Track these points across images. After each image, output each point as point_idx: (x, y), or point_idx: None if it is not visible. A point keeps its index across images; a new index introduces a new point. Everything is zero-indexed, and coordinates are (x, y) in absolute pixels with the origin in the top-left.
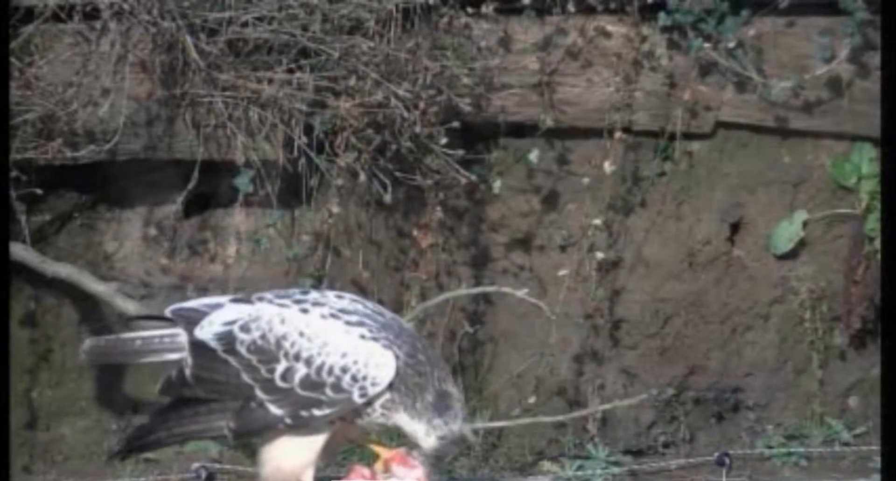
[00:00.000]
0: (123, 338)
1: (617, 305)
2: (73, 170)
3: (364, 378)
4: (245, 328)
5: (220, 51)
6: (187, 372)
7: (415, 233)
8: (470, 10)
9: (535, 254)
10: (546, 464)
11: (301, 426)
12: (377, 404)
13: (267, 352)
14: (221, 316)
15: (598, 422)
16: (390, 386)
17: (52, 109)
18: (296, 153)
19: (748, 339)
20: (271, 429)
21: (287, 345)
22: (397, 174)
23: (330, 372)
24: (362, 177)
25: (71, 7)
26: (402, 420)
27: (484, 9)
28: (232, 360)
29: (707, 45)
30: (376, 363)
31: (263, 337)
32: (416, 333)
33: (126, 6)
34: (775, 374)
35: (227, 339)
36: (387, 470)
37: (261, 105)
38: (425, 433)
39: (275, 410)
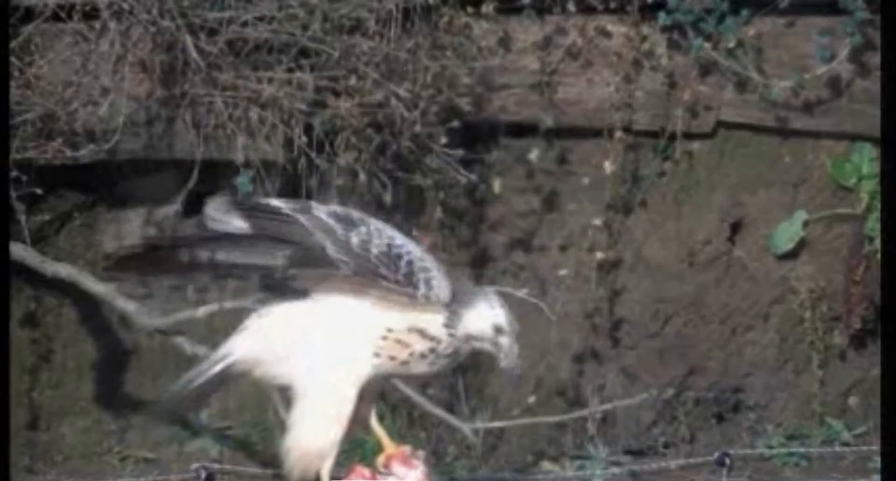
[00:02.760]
0: (181, 385)
1: (617, 305)
2: (73, 170)
3: (432, 279)
4: (330, 207)
5: (220, 51)
6: (246, 226)
7: (414, 233)
8: (470, 9)
9: (535, 254)
10: (546, 464)
11: (360, 271)
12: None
13: (348, 221)
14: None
15: (597, 422)
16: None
17: (52, 109)
18: (296, 153)
19: (748, 339)
20: (329, 268)
21: (373, 227)
22: (397, 174)
23: (409, 263)
24: (362, 177)
25: (71, 7)
26: (467, 316)
27: (484, 8)
28: (303, 219)
29: (707, 44)
30: (445, 285)
31: (347, 213)
32: None
33: (126, 6)
34: (775, 374)
35: (304, 204)
36: (387, 466)
37: (261, 105)
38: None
39: (340, 256)
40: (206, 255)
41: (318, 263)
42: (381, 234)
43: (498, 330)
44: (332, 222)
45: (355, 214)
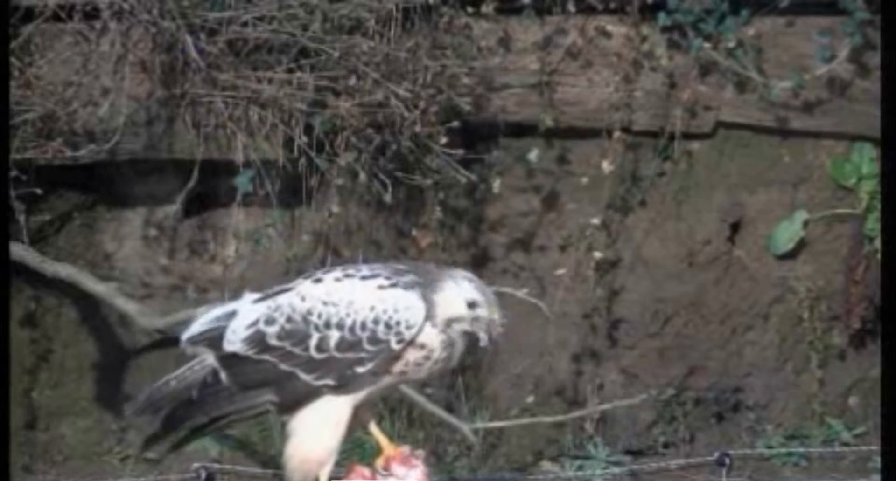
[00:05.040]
0: (158, 384)
1: (616, 305)
2: (73, 170)
3: (398, 323)
4: (270, 321)
5: (220, 51)
6: (223, 377)
7: (414, 233)
8: (470, 9)
9: (534, 254)
10: (546, 464)
11: (345, 385)
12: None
13: (298, 333)
14: (242, 321)
15: (595, 422)
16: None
17: (52, 109)
18: (296, 153)
19: (748, 339)
20: (316, 396)
21: (314, 318)
22: (397, 174)
23: (363, 327)
24: (362, 176)
25: (71, 7)
26: (439, 301)
27: (484, 8)
28: (267, 357)
29: (707, 45)
30: (405, 306)
31: (289, 320)
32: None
33: (126, 6)
34: (775, 374)
35: (257, 339)
36: (387, 468)
37: (261, 105)
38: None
39: (317, 382)
40: (208, 413)
41: (305, 393)
42: (326, 314)
43: (472, 305)
44: (287, 346)
45: (290, 306)
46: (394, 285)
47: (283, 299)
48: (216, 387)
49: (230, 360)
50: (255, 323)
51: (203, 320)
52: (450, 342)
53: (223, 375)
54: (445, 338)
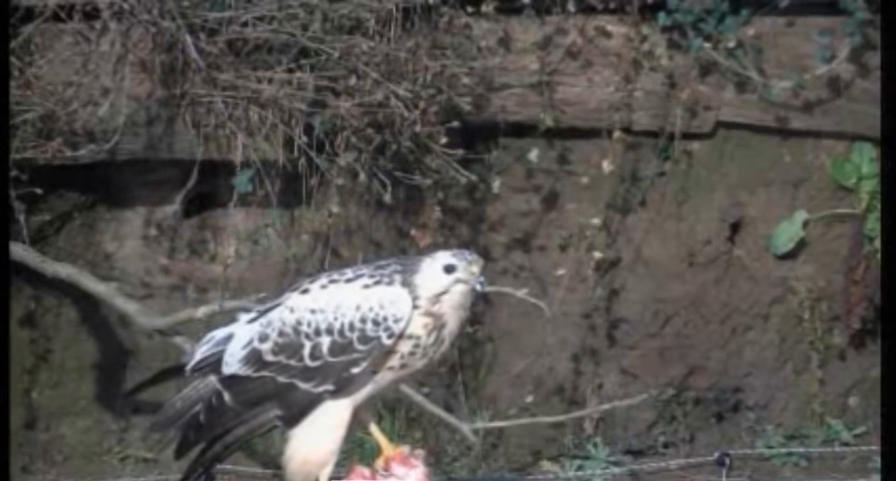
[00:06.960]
0: (167, 406)
1: (616, 305)
2: (73, 170)
3: (385, 319)
4: (263, 337)
5: (220, 51)
6: (227, 398)
7: (414, 232)
8: (470, 9)
9: (534, 254)
10: (546, 464)
11: (344, 388)
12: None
13: (291, 345)
14: (238, 343)
15: (595, 422)
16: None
17: (52, 109)
18: (296, 153)
19: (748, 339)
20: (318, 403)
21: (304, 327)
22: (397, 174)
23: (352, 328)
24: (362, 176)
25: (71, 7)
26: (419, 282)
27: (484, 8)
28: (265, 372)
29: (707, 44)
30: (390, 301)
31: (281, 333)
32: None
33: (126, 6)
34: (775, 374)
35: (254, 358)
36: (387, 468)
37: (261, 105)
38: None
39: (316, 389)
40: (222, 437)
41: (306, 402)
42: (315, 322)
43: (449, 268)
44: (283, 359)
45: (281, 320)
46: (377, 282)
47: (273, 314)
48: (222, 409)
49: (231, 381)
50: (250, 342)
51: (203, 347)
52: (435, 326)
53: (226, 396)
54: (428, 323)
